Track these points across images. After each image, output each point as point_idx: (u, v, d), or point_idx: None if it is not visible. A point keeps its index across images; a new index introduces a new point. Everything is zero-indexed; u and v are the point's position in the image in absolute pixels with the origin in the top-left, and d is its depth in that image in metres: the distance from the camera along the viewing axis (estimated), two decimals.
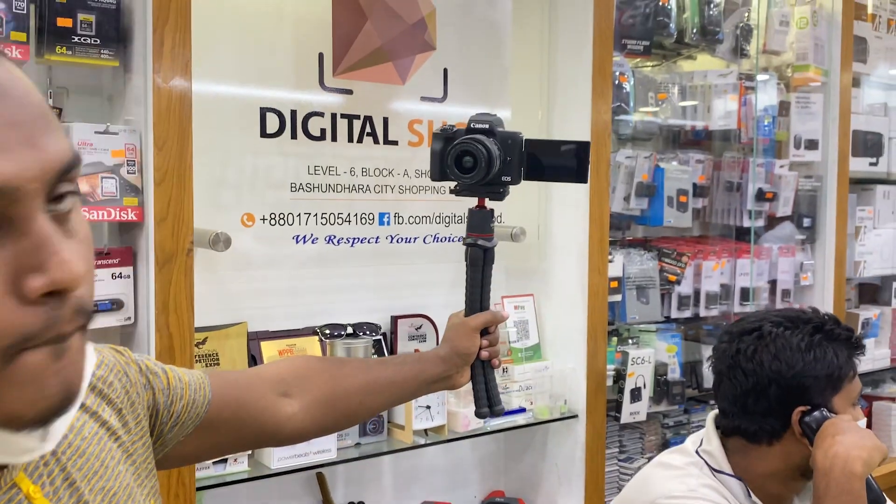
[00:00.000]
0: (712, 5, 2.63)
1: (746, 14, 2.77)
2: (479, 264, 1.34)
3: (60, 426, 0.62)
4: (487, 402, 1.33)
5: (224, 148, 1.89)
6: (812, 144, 2.97)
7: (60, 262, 0.54)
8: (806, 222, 2.99)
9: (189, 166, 1.62)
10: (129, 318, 1.68)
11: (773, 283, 2.94)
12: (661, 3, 2.54)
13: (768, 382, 1.40)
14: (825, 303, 3.03)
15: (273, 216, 1.96)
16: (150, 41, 1.58)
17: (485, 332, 1.32)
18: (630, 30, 2.50)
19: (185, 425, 0.96)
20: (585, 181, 1.35)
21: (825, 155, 3.00)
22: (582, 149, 1.33)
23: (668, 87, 2.66)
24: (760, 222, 2.86)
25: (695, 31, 2.62)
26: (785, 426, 1.39)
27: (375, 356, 2.17)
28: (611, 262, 2.37)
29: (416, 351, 2.29)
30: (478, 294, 1.35)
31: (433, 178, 1.35)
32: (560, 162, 1.33)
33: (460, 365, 1.29)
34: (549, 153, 1.33)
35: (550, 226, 2.39)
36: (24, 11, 1.55)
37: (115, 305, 1.67)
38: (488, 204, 1.35)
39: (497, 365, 1.34)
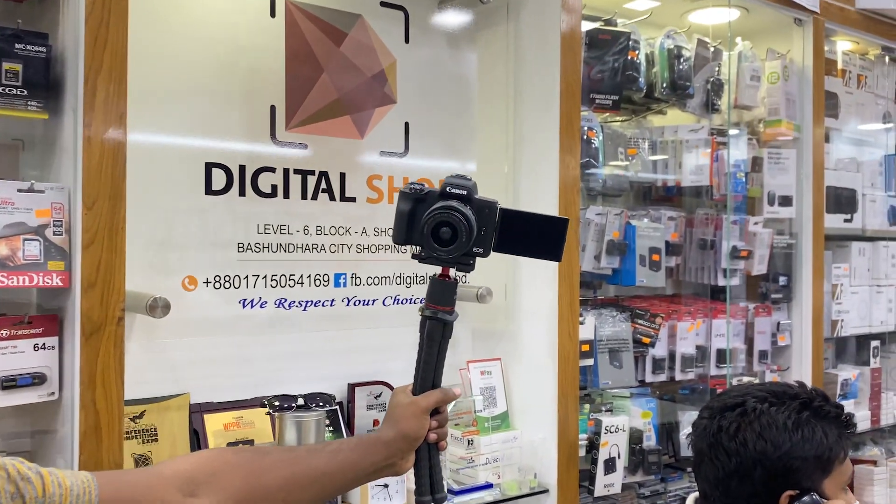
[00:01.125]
0: (682, 60, 2.57)
1: (717, 68, 2.72)
2: (437, 339, 1.22)
3: None
4: (430, 489, 1.22)
5: (165, 205, 1.76)
6: (786, 200, 2.90)
7: None
8: (782, 280, 2.90)
9: (121, 227, 1.49)
10: (53, 394, 1.52)
11: (749, 343, 2.83)
12: (630, 58, 2.48)
13: (753, 464, 1.28)
14: (803, 363, 2.93)
15: (218, 279, 1.83)
16: (82, 91, 1.46)
17: (434, 411, 1.21)
18: (599, 84, 2.42)
19: None
20: (559, 259, 1.26)
21: (800, 211, 2.93)
22: (560, 225, 1.24)
23: (639, 143, 2.58)
24: (736, 280, 2.76)
25: (665, 85, 2.55)
26: None
27: (331, 429, 2.03)
28: (582, 323, 2.26)
29: (375, 423, 2.16)
30: (431, 371, 1.23)
31: (396, 242, 1.23)
32: (535, 237, 1.24)
33: (406, 450, 1.18)
34: (524, 227, 1.24)
35: (518, 286, 2.27)
36: None
37: (37, 379, 1.51)
38: (452, 274, 1.24)
39: (444, 448, 1.24)
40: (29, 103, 1.49)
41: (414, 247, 1.21)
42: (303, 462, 1.10)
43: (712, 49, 2.72)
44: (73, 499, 0.82)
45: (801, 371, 2.93)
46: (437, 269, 1.23)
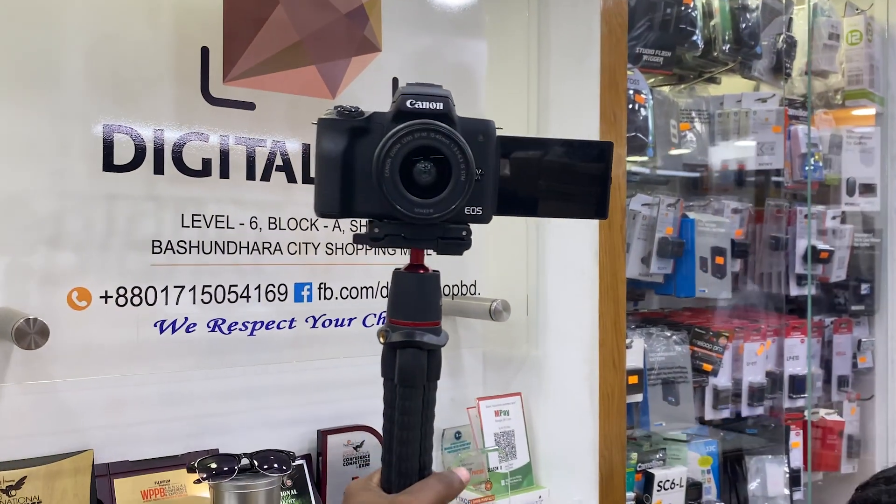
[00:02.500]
0: (748, 12, 2.03)
1: (788, 23, 2.17)
2: (418, 381, 0.71)
3: None
4: None
5: (43, 188, 1.22)
6: (868, 189, 2.35)
7: None
8: (864, 288, 2.35)
9: None
10: None
11: (826, 367, 2.29)
12: (683, 6, 1.94)
13: None
14: (890, 390, 2.38)
15: (122, 291, 1.29)
16: None
17: None
18: (645, 37, 1.88)
19: None
20: (604, 215, 0.79)
21: (885, 202, 2.38)
22: (601, 154, 0.78)
23: (692, 115, 2.04)
24: (813, 289, 2.22)
25: (726, 42, 2.01)
26: None
27: (294, 492, 1.50)
28: (628, 347, 1.72)
29: (354, 479, 1.62)
30: (414, 444, 0.73)
31: (323, 211, 0.74)
32: (560, 181, 0.78)
33: None
34: (541, 165, 0.77)
35: (545, 298, 1.74)
36: None
37: None
38: (433, 262, 0.73)
39: None
40: None
41: (355, 220, 0.70)
42: None
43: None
44: None
45: (887, 400, 2.38)
46: (403, 259, 0.73)
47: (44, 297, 1.23)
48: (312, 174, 1.50)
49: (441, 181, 0.69)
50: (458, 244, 0.73)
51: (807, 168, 2.14)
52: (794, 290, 2.17)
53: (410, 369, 0.72)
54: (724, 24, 2.03)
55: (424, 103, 0.70)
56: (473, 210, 0.72)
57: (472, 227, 0.74)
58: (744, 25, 2.03)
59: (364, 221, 0.75)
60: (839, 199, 2.35)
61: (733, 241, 2.01)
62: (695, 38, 1.98)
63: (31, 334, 1.14)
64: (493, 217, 0.75)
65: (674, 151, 1.96)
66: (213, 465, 1.35)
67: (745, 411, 2.06)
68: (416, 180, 0.69)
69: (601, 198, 0.77)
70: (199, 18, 1.36)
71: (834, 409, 2.34)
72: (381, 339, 0.73)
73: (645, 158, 1.87)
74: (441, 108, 0.70)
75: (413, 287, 0.74)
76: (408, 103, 0.70)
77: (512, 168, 0.75)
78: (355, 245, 1.52)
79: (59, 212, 1.24)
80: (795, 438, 2.18)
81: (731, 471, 2.08)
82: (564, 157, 0.77)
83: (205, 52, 1.37)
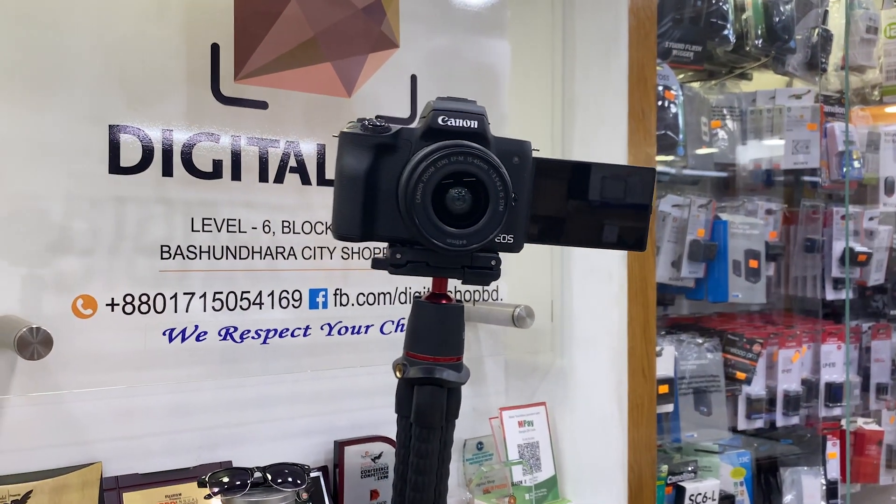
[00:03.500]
0: (782, 4, 1.95)
1: (823, 15, 2.08)
2: (436, 421, 0.65)
3: None
4: None
5: (46, 194, 1.18)
6: None
7: None
8: None
9: None
10: None
11: (865, 374, 2.20)
12: (714, 1, 1.86)
13: None
14: None
15: (130, 299, 1.24)
16: None
17: None
18: (674, 31, 1.81)
19: None
20: (643, 247, 0.74)
21: None
22: (644, 183, 0.73)
23: (724, 112, 1.96)
24: (851, 293, 2.13)
25: (760, 35, 1.93)
26: None
27: None
28: (658, 355, 1.64)
29: (374, 496, 1.57)
30: (429, 491, 0.68)
31: (342, 234, 0.67)
32: (599, 209, 0.72)
33: None
34: (580, 190, 0.72)
35: (570, 304, 1.67)
36: None
37: None
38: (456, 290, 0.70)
39: None
40: None
41: (376, 244, 0.64)
42: None
43: None
44: None
45: None
46: (424, 284, 0.67)
47: (48, 304, 1.18)
48: (328, 176, 1.45)
49: (475, 208, 0.63)
50: (485, 275, 0.67)
51: (844, 168, 2.06)
52: (831, 295, 2.08)
53: (429, 408, 0.66)
54: (756, 18, 1.95)
55: (458, 121, 0.64)
56: (505, 238, 0.66)
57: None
58: (777, 19, 1.95)
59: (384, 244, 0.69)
60: (877, 200, 2.25)
61: (767, 243, 1.93)
62: (726, 32, 1.91)
63: (35, 344, 1.10)
64: (524, 245, 0.69)
65: (705, 150, 1.88)
66: (226, 480, 1.30)
67: (780, 421, 1.98)
68: (448, 207, 0.62)
69: (640, 229, 0.71)
70: (209, 14, 1.31)
71: (872, 417, 2.25)
72: (398, 374, 0.67)
73: (675, 158, 1.80)
74: (476, 126, 0.64)
75: (434, 319, 0.68)
76: (440, 120, 0.63)
77: (546, 193, 0.69)
78: (382, 249, 1.47)
79: (63, 216, 1.19)
80: (832, 449, 2.09)
81: (765, 483, 1.99)
82: (603, 184, 0.70)
83: (215, 49, 1.31)
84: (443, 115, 0.63)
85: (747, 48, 1.97)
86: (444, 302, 0.68)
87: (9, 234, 1.15)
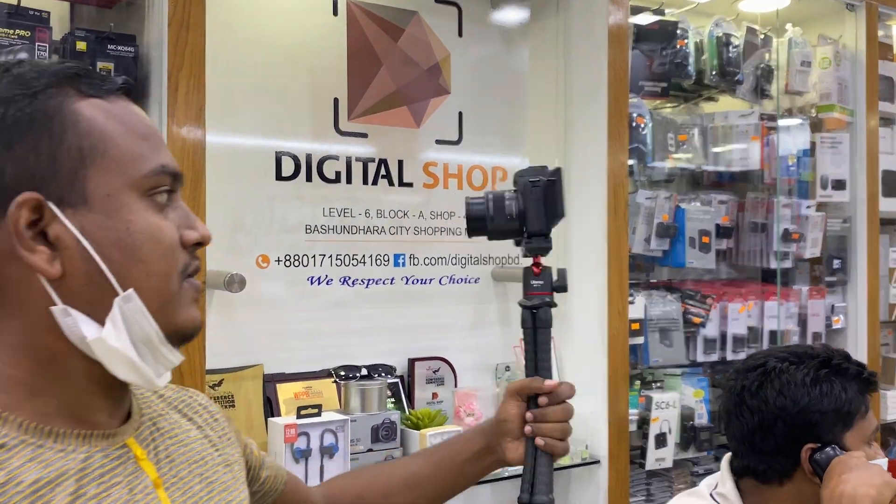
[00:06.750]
0: (731, 48, 2.63)
1: (766, 55, 2.76)
2: (527, 326, 1.17)
3: (168, 375, 0.79)
4: (530, 489, 1.08)
5: (240, 192, 1.92)
6: (839, 185, 2.92)
7: (203, 227, 0.79)
8: (836, 263, 2.92)
9: (202, 211, 1.65)
10: None
11: (803, 325, 2.87)
12: (679, 46, 2.55)
13: (774, 419, 1.35)
14: (858, 346, 2.94)
15: (288, 258, 1.98)
16: (166, 86, 1.63)
17: (534, 403, 1.10)
18: (648, 72, 2.51)
19: (266, 497, 1.01)
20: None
21: (853, 195, 2.94)
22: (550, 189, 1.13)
23: (689, 129, 2.65)
24: (788, 263, 2.81)
25: (714, 72, 2.62)
26: (795, 465, 1.33)
27: (392, 400, 2.15)
28: (632, 303, 2.34)
29: (434, 396, 2.28)
30: (531, 357, 1.15)
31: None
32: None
33: (500, 435, 1.10)
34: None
35: (569, 267, 2.36)
36: (48, 59, 1.61)
37: None
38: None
39: (541, 446, 1.08)
40: None
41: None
42: (397, 468, 1.16)
43: (762, 37, 2.77)
44: (271, 466, 1.01)
45: (856, 353, 2.94)
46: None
47: (241, 261, 1.91)
48: (406, 180, 2.17)
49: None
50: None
51: (777, 168, 2.73)
52: (773, 264, 2.75)
53: (524, 318, 1.14)
54: (711, 58, 2.63)
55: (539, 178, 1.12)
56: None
57: None
58: (726, 58, 2.63)
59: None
60: (815, 193, 2.91)
61: (718, 225, 2.61)
62: (688, 69, 2.59)
63: (236, 283, 1.80)
64: None
65: (671, 158, 2.57)
66: (343, 372, 2.05)
67: (730, 356, 2.66)
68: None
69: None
70: (332, 78, 2.05)
71: None
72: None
73: (647, 160, 2.49)
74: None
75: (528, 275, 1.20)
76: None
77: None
78: (439, 229, 2.19)
79: (250, 208, 1.94)
80: None
81: (718, 402, 2.67)
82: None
83: (336, 101, 2.05)
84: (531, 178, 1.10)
85: (706, 81, 2.65)
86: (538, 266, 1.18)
87: (217, 219, 1.88)
